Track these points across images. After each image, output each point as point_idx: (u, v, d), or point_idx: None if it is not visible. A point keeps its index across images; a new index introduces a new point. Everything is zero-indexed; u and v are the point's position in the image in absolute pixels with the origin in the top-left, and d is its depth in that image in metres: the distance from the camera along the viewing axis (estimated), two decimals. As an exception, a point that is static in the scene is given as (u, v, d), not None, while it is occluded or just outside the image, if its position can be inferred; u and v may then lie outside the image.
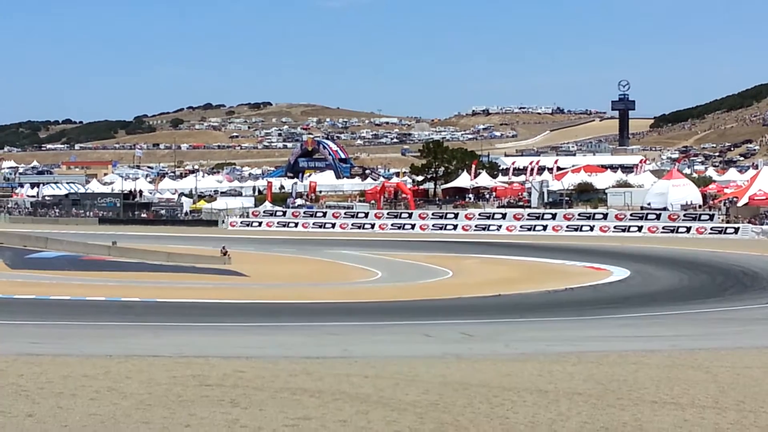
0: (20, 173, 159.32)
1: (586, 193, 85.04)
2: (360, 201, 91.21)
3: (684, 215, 69.18)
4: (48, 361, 14.57)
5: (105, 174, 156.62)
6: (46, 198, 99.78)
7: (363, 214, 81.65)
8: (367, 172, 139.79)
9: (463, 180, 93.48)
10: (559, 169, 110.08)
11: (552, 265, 49.86)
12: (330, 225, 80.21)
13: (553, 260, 51.85)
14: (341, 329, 21.89)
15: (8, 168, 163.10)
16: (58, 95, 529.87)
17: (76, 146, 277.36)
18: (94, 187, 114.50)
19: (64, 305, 26.63)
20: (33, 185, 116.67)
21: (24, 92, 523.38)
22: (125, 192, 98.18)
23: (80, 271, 42.69)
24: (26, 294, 28.80)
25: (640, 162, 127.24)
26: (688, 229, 66.74)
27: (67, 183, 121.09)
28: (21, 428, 9.11)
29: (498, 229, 73.72)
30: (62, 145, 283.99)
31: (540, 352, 16.49)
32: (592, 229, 70.70)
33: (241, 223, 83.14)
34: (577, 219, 72.72)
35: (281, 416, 9.88)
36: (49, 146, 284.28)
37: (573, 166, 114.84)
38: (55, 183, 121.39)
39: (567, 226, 71.97)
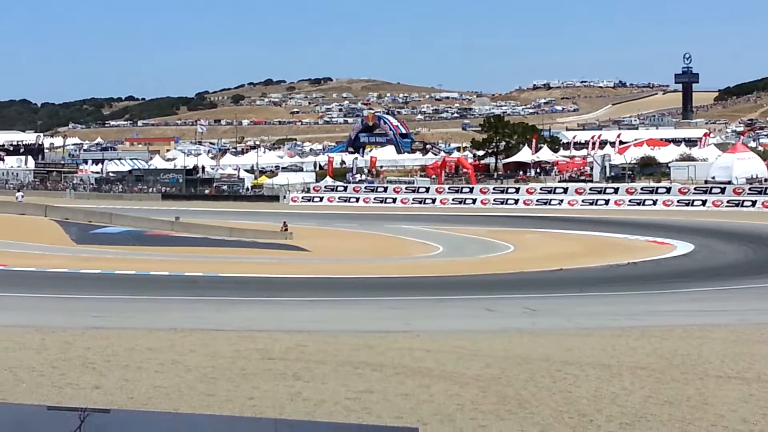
0: (84, 150, 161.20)
1: (649, 167, 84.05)
2: (421, 176, 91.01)
3: (749, 189, 68.09)
4: (114, 334, 14.78)
5: (167, 150, 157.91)
6: (110, 174, 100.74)
7: (424, 189, 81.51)
8: (428, 147, 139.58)
9: (525, 154, 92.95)
10: (621, 143, 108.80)
11: (614, 239, 49.41)
12: (391, 200, 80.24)
13: (616, 234, 51.35)
14: (403, 303, 21.91)
15: (73, 145, 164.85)
16: (121, 72, 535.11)
17: (139, 123, 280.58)
18: (157, 163, 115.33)
19: (129, 279, 26.94)
20: (97, 162, 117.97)
21: (87, 70, 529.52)
22: (188, 168, 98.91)
23: (144, 246, 43.19)
24: (92, 269, 29.20)
25: (704, 135, 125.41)
26: (754, 203, 65.69)
27: (131, 159, 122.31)
28: (88, 400, 9.25)
29: (560, 204, 73.24)
30: (125, 122, 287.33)
31: (603, 327, 16.39)
32: (655, 203, 69.95)
33: (302, 198, 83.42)
34: (640, 193, 71.95)
35: (343, 389, 9.92)
36: (112, 123, 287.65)
37: (635, 140, 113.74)
38: (119, 159, 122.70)
39: (629, 201, 71.26)
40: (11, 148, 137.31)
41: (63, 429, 5.80)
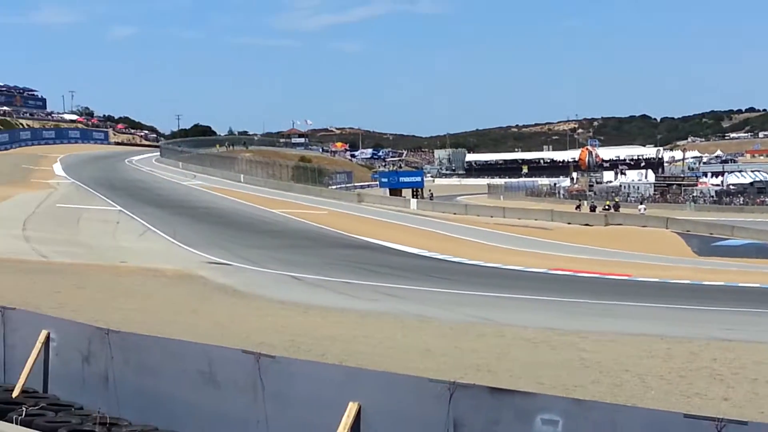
0: (704, 162, 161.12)
1: None
2: None
3: None
4: (740, 346, 14.58)
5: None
6: (731, 186, 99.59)
7: None
8: None
9: None
10: None
11: None
12: None
13: None
14: None
15: (692, 158, 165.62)
16: (741, 84, 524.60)
17: (760, 134, 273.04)
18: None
19: (753, 292, 26.32)
20: (716, 174, 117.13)
21: (706, 83, 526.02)
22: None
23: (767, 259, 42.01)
24: (715, 281, 28.97)
25: None
26: None
27: (752, 171, 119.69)
28: (717, 411, 9.18)
29: None
30: (745, 134, 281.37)
31: None
32: None
33: None
34: None
35: None
36: (732, 135, 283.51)
37: None
38: (740, 171, 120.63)
39: None
40: (632, 162, 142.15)
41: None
